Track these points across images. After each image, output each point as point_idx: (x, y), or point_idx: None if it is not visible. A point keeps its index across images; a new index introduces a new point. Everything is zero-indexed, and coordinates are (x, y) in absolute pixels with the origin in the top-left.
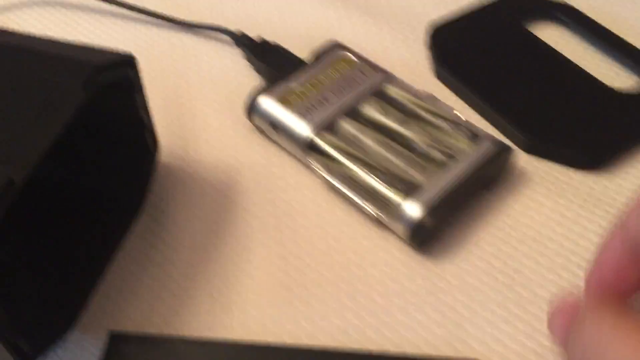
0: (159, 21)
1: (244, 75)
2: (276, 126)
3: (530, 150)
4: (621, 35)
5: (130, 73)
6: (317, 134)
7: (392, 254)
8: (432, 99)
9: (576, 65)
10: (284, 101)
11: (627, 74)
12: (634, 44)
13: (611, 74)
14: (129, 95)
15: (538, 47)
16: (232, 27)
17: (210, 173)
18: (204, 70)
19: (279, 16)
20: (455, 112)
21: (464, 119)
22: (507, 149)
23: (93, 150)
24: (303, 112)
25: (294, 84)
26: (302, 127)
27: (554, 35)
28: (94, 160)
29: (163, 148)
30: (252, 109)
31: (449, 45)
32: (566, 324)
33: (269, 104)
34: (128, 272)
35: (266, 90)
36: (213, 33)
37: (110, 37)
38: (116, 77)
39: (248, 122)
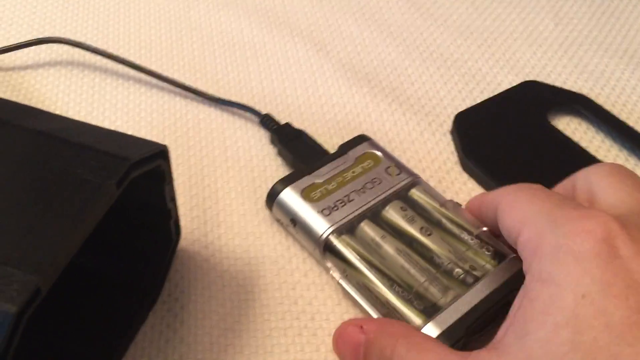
0: (187, 94)
1: (269, 159)
2: (295, 222)
3: None
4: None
5: (162, 165)
6: (336, 235)
7: None
8: (458, 209)
9: (595, 158)
10: (306, 197)
11: None
12: None
13: (629, 166)
14: (158, 186)
15: (559, 139)
16: (259, 108)
17: (230, 263)
18: (229, 149)
19: (306, 101)
20: (482, 227)
21: (488, 233)
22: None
23: (113, 236)
24: (324, 210)
25: (317, 178)
26: (321, 226)
27: (573, 127)
28: (113, 246)
29: (184, 232)
30: (273, 201)
31: (472, 132)
32: (356, 345)
33: (290, 197)
34: None
35: (288, 182)
36: (240, 111)
37: (135, 106)
38: (148, 168)
39: (267, 202)
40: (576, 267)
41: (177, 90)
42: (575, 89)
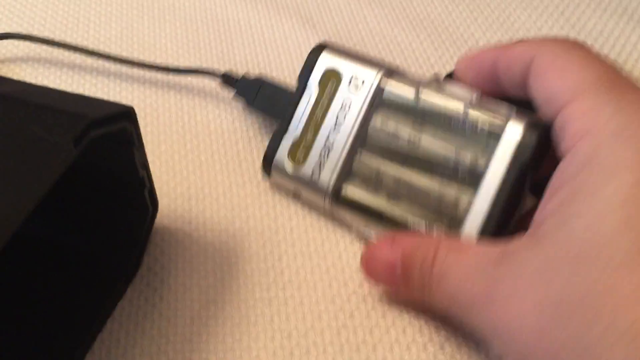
0: (141, 72)
1: (241, 119)
2: (298, 191)
3: None
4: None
5: (128, 127)
6: (338, 187)
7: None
8: (437, 84)
9: None
10: (294, 160)
11: None
12: None
13: None
14: (127, 151)
15: None
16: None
17: (215, 236)
18: (209, 122)
19: (293, 74)
20: (472, 94)
21: (477, 101)
22: (539, 126)
23: (85, 208)
24: (314, 171)
25: (294, 133)
26: (320, 192)
27: None
28: (85, 218)
29: (164, 207)
30: (270, 175)
31: None
32: (392, 261)
33: (281, 172)
34: (118, 345)
35: (273, 149)
36: (198, 79)
37: (97, 91)
38: (112, 131)
39: (258, 179)
40: (635, 154)
41: (145, 71)
42: None
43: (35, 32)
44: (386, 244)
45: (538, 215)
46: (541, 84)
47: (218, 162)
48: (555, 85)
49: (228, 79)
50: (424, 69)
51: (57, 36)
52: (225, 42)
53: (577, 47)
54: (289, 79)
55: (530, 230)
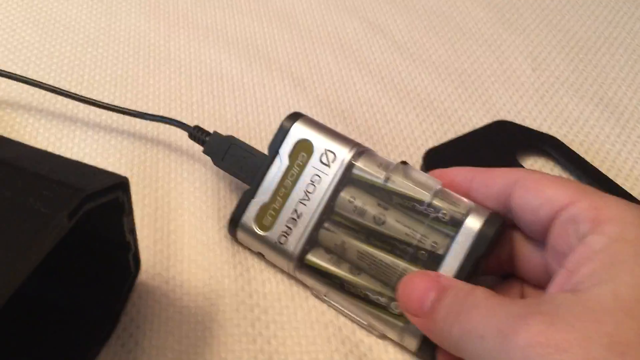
0: (132, 122)
1: (225, 174)
2: (262, 253)
3: None
4: (605, 172)
5: (121, 196)
6: (303, 254)
7: None
8: (405, 173)
9: None
10: (261, 226)
11: None
12: (616, 182)
13: None
14: (117, 217)
15: None
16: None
17: (190, 298)
18: (184, 173)
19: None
20: (436, 186)
21: (444, 192)
22: (496, 229)
23: (67, 267)
24: (280, 238)
25: (262, 197)
26: (284, 259)
27: (541, 167)
28: (66, 277)
29: (145, 264)
30: (236, 236)
31: (441, 168)
32: (425, 293)
33: (247, 233)
34: None
35: (239, 215)
36: (169, 129)
37: (101, 137)
38: (106, 200)
39: (231, 236)
40: None
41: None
42: (549, 132)
43: (30, 73)
44: (428, 275)
45: (561, 284)
46: (535, 192)
47: (199, 218)
48: (552, 191)
49: (197, 134)
50: (407, 142)
51: (52, 78)
52: (217, 98)
53: (542, 173)
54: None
55: (560, 289)
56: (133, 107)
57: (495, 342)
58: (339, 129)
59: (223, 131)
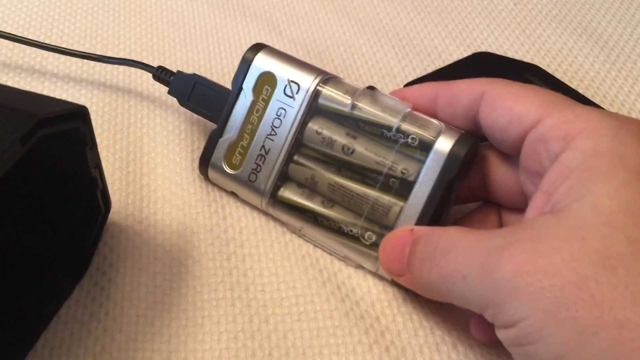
0: (90, 70)
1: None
2: (234, 192)
3: None
4: (590, 98)
5: (81, 127)
6: (275, 190)
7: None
8: (374, 97)
9: None
10: (230, 165)
11: None
12: (598, 104)
13: None
14: (79, 150)
15: None
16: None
17: (165, 236)
18: (156, 116)
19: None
20: (404, 109)
21: (413, 115)
22: (467, 140)
23: (35, 206)
24: (250, 177)
25: (230, 136)
26: (256, 196)
27: None
28: (36, 217)
29: (118, 206)
30: (207, 177)
31: None
32: (401, 251)
33: (218, 174)
34: (62, 344)
35: (208, 156)
36: (131, 70)
37: (61, 86)
38: (63, 130)
39: (203, 177)
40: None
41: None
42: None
43: None
44: (405, 231)
45: (538, 206)
46: (502, 109)
47: (172, 160)
48: (520, 107)
49: (161, 74)
50: (386, 79)
51: (20, 33)
52: (189, 45)
53: (511, 82)
54: None
55: (544, 211)
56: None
57: (479, 280)
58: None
59: None
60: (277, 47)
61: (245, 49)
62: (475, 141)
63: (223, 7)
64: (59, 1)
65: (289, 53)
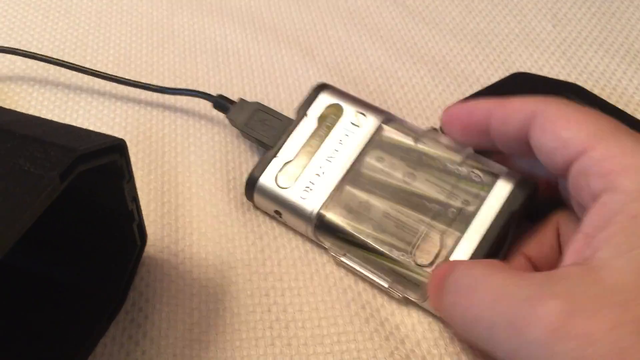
0: (136, 95)
1: (234, 145)
2: (280, 213)
3: None
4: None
5: (118, 160)
6: (324, 214)
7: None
8: (437, 137)
9: None
10: (283, 182)
11: None
12: None
13: None
14: (116, 183)
15: None
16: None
17: (201, 270)
18: (198, 149)
19: (290, 105)
20: (467, 149)
21: (472, 154)
22: (531, 188)
23: (71, 240)
24: (303, 193)
25: (286, 157)
26: (306, 211)
27: None
28: (71, 251)
29: (154, 239)
30: (252, 196)
31: None
32: (441, 279)
33: (267, 188)
34: None
35: (260, 172)
36: (192, 103)
37: (105, 116)
38: (101, 164)
39: (246, 207)
40: None
41: (139, 93)
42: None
43: (33, 50)
44: (445, 262)
45: (578, 251)
46: (550, 135)
47: (207, 191)
48: (567, 133)
49: (222, 102)
50: (423, 105)
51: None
52: (223, 71)
53: (577, 104)
54: (286, 111)
55: (575, 262)
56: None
57: (507, 334)
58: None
59: None
60: (310, 72)
61: (278, 74)
62: (535, 184)
63: (255, 33)
64: (92, 30)
65: (323, 79)
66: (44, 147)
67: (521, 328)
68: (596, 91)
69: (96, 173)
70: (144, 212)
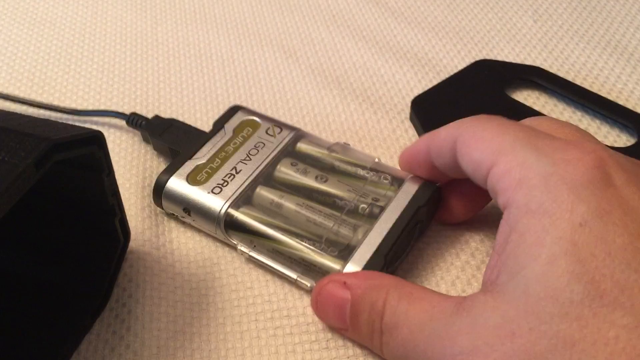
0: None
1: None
2: (189, 210)
3: None
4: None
5: (96, 152)
6: (234, 209)
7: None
8: (347, 149)
9: None
10: (193, 181)
11: (613, 130)
12: (611, 100)
13: (583, 124)
14: (97, 179)
15: (520, 109)
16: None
17: (183, 265)
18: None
19: (273, 105)
20: (374, 158)
21: (381, 164)
22: (435, 188)
23: (53, 238)
24: (214, 189)
25: (199, 160)
26: (216, 205)
27: (530, 98)
28: (53, 248)
29: (135, 232)
30: (160, 196)
31: (430, 112)
32: (341, 303)
33: (176, 186)
34: None
35: (171, 172)
36: (104, 119)
37: None
38: (78, 155)
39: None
40: (570, 195)
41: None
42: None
43: None
44: (337, 282)
45: (489, 270)
46: (467, 157)
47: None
48: (477, 154)
49: (134, 118)
50: (407, 100)
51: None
52: (206, 76)
53: (492, 119)
54: (270, 111)
55: (485, 284)
56: (121, 90)
57: None
58: (334, 94)
59: (215, 107)
60: (294, 74)
61: (262, 77)
62: (439, 187)
63: (238, 38)
64: (77, 41)
65: (307, 79)
66: (19, 137)
67: None
68: (578, 82)
69: (75, 168)
70: (125, 206)
